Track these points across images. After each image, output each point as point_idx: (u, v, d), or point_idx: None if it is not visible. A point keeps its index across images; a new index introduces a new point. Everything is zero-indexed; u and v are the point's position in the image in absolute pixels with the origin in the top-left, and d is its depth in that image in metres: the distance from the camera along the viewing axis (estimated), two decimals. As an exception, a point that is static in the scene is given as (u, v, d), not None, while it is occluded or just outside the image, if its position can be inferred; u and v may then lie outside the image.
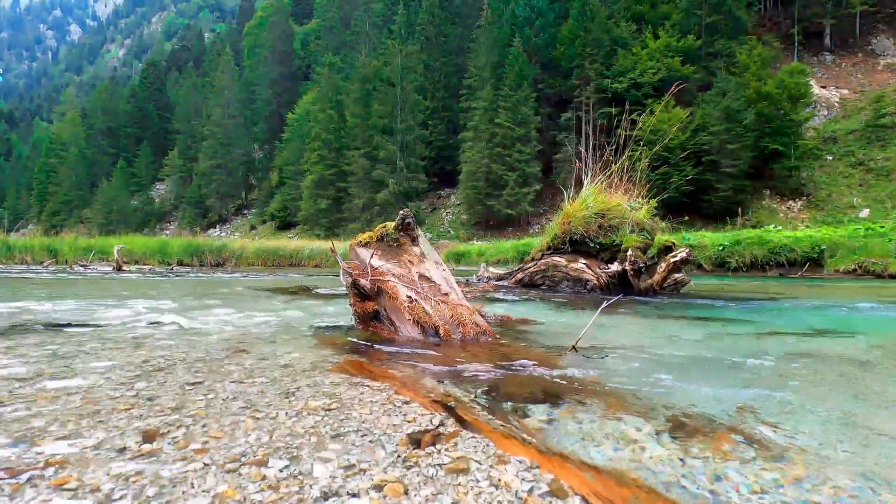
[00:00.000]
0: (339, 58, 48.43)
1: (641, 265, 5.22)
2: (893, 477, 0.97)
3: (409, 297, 2.43)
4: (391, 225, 2.75)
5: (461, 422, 1.21)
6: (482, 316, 2.74)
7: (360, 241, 2.76)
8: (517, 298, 5.00)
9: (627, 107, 7.24)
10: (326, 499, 0.83)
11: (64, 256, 13.82)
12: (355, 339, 2.40)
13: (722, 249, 13.09)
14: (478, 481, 0.90)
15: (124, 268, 11.05)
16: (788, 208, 26.46)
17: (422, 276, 2.56)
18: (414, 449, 1.04)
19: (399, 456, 1.00)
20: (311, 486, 0.87)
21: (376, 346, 2.22)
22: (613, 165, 5.82)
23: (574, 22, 33.73)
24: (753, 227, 20.52)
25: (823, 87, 32.11)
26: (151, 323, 2.89)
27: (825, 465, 1.01)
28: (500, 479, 0.91)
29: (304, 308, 3.92)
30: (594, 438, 1.14)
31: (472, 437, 1.11)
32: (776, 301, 5.04)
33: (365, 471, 0.93)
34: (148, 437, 1.07)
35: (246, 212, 50.01)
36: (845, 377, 1.80)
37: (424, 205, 38.18)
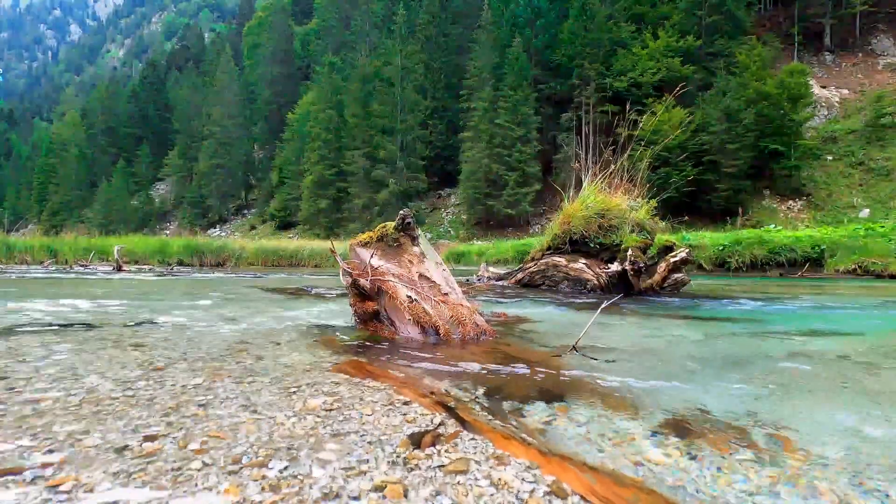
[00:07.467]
0: (339, 58, 48.42)
1: (641, 265, 5.21)
2: (891, 478, 0.97)
3: (409, 296, 2.43)
4: (391, 225, 2.75)
5: (461, 422, 1.21)
6: (482, 316, 2.73)
7: (360, 241, 2.76)
8: (517, 298, 5.00)
9: (628, 107, 7.23)
10: (326, 500, 0.83)
11: (64, 256, 13.79)
12: (355, 339, 2.40)
13: (722, 249, 13.09)
14: (478, 482, 0.90)
15: (124, 268, 11.03)
16: (788, 208, 26.47)
17: (422, 276, 2.56)
18: (414, 449, 1.04)
19: (399, 456, 1.00)
20: (311, 486, 0.87)
21: (376, 346, 2.22)
22: (613, 165, 5.82)
23: (574, 22, 33.76)
24: (753, 227, 20.53)
25: (823, 87, 32.12)
26: (151, 323, 2.89)
27: (824, 466, 1.01)
28: (500, 480, 0.91)
29: (303, 308, 3.92)
30: (595, 439, 1.13)
31: (473, 438, 1.11)
32: (776, 301, 5.04)
33: (365, 472, 0.93)
34: (148, 436, 1.07)
35: (246, 212, 50.01)
36: (845, 377, 1.80)
37: (424, 205, 38.19)
